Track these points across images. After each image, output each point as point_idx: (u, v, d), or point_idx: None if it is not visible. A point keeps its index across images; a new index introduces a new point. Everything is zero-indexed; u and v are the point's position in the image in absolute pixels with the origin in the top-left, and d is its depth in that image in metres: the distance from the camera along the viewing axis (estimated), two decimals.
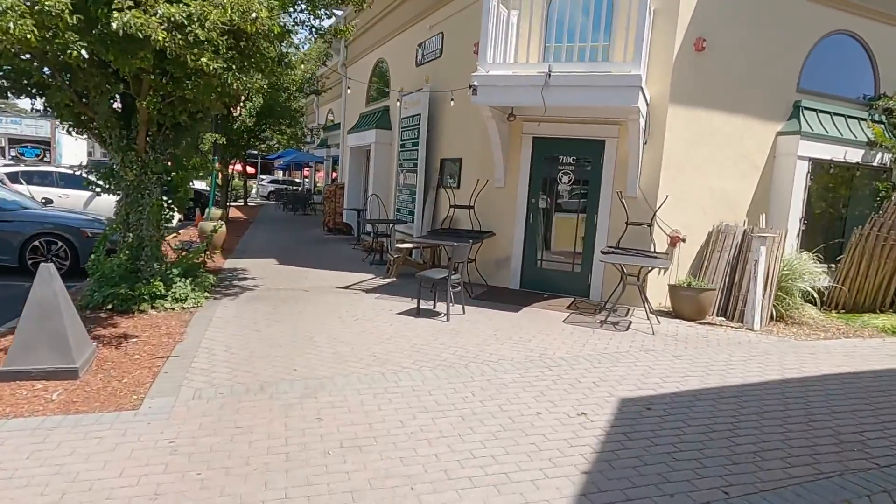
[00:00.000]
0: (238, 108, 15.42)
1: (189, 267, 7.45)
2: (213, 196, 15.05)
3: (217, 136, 15.16)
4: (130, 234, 6.91)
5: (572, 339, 6.26)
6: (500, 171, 8.61)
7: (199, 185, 17.83)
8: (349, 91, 16.08)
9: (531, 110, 8.10)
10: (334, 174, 22.69)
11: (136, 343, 5.42)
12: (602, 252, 7.42)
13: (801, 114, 8.52)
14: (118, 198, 7.01)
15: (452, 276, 6.70)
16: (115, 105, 6.94)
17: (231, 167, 21.30)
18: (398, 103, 11.35)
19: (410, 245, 9.01)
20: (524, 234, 8.66)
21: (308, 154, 24.78)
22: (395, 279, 9.09)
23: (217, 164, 17.84)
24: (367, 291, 8.19)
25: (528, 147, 8.55)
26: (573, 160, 8.41)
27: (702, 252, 8.29)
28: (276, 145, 25.87)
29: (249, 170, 39.88)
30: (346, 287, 8.43)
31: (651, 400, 4.59)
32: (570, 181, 8.44)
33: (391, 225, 10.73)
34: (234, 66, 6.24)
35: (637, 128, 7.31)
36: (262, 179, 37.23)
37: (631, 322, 7.15)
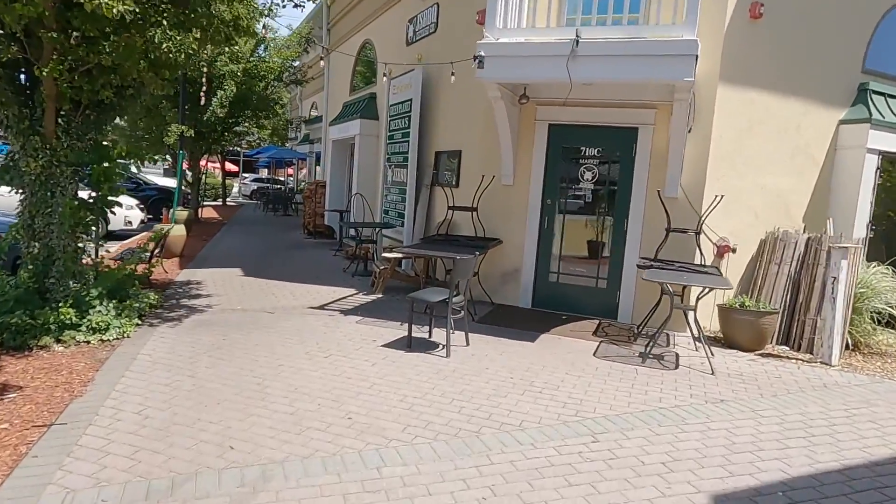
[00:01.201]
0: (203, 94, 13.79)
1: (118, 284, 5.87)
2: (179, 194, 13.40)
3: (184, 127, 13.55)
4: (37, 244, 5.34)
5: (612, 383, 4.77)
6: (509, 165, 7.11)
7: (171, 182, 16.07)
8: (332, 78, 14.57)
9: (550, 89, 6.63)
10: (319, 171, 21.09)
11: (15, 400, 3.85)
12: (639, 266, 5.94)
13: (868, 98, 7.10)
14: (21, 196, 5.43)
15: (454, 299, 5.19)
16: (17, 76, 5.36)
17: (205, 163, 19.61)
18: (385, 83, 9.82)
19: (399, 255, 7.48)
20: (537, 241, 7.17)
21: (290, 150, 23.12)
22: (381, 295, 7.56)
23: (187, 161, 16.22)
24: (347, 313, 6.65)
25: (543, 136, 7.06)
26: (598, 152, 6.93)
27: (753, 265, 6.85)
28: (256, 140, 24.20)
29: (233, 168, 38.26)
30: (322, 307, 6.88)
31: (756, 498, 3.11)
32: (593, 178, 6.96)
33: (377, 230, 9.20)
34: (161, 20, 4.67)
35: (683, 111, 5.85)
36: (245, 178, 35.47)
37: (678, 355, 5.68)
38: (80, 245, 5.67)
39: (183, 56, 5.52)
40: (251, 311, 6.53)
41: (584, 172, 6.97)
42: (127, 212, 13.22)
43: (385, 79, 9.79)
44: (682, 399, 4.50)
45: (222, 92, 14.49)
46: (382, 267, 7.62)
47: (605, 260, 6.95)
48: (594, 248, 7.11)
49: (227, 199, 28.20)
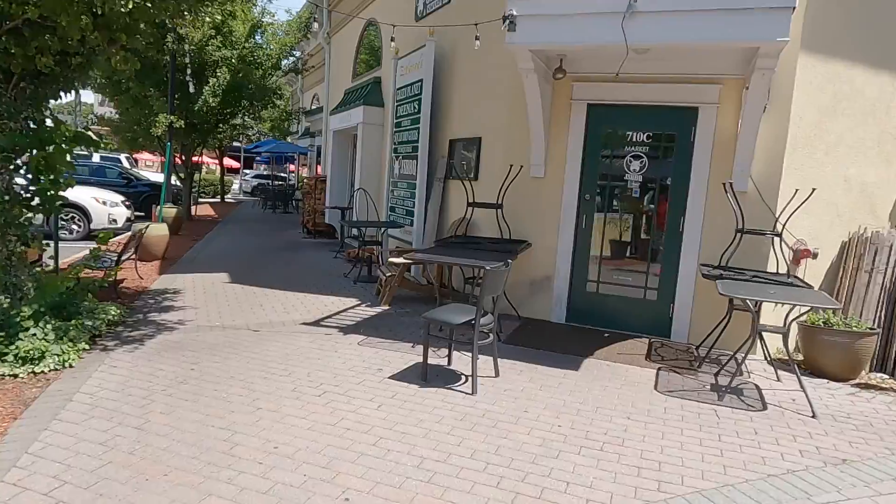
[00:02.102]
0: (191, 80, 12.66)
1: (65, 297, 4.78)
2: (167, 190, 12.33)
3: (173, 117, 12.47)
4: None
5: (692, 433, 3.65)
6: (540, 154, 5.99)
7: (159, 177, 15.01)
8: (333, 64, 13.48)
9: (591, 61, 5.51)
10: (319, 168, 19.99)
11: None
12: (706, 276, 4.81)
13: None
14: None
15: (482, 320, 4.08)
16: None
17: (199, 159, 18.54)
18: (392, 65, 8.69)
19: (409, 260, 6.36)
20: (573, 244, 6.05)
21: (290, 144, 22.03)
22: (387, 307, 6.45)
23: (179, 154, 15.15)
24: (347, 330, 5.55)
25: (581, 119, 5.93)
26: (648, 138, 5.79)
27: (834, 272, 5.72)
28: (256, 135, 23.09)
29: (234, 164, 37.17)
30: (317, 322, 5.78)
31: None
32: (642, 168, 5.82)
33: (382, 230, 8.10)
34: None
35: (764, 85, 4.72)
36: (246, 174, 34.41)
37: (758, 388, 4.55)
38: (15, 249, 4.57)
39: (146, 21, 4.43)
40: (232, 328, 5.43)
41: (631, 162, 5.84)
42: (111, 209, 12.19)
43: (393, 59, 8.68)
44: (792, 458, 3.38)
45: (215, 80, 13.39)
46: (389, 274, 6.51)
47: (656, 266, 5.82)
48: (642, 253, 5.98)
49: (227, 196, 27.20)
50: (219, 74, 13.44)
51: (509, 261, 4.33)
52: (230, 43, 13.68)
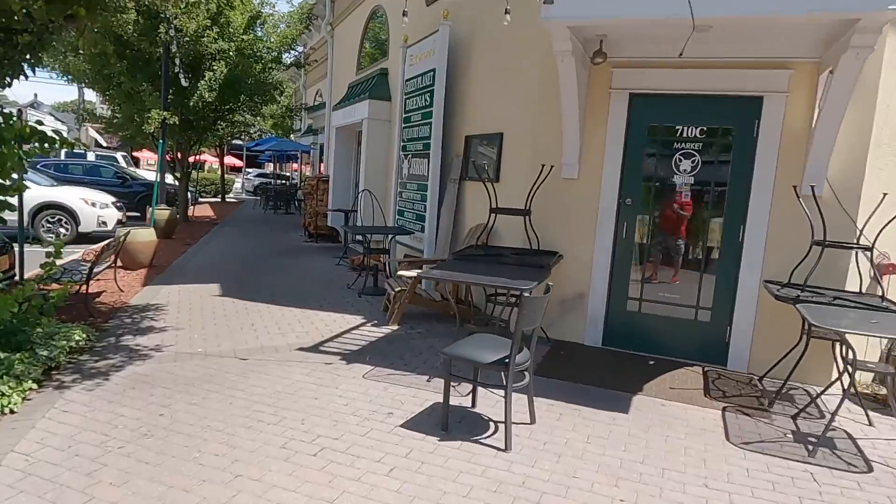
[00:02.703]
0: (184, 74, 11.89)
1: (15, 322, 4.00)
2: (159, 190, 11.58)
3: (166, 113, 11.72)
4: None
5: None
6: (574, 151, 5.18)
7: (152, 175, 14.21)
8: (336, 58, 12.71)
9: (634, 44, 4.74)
10: (322, 167, 19.21)
11: None
12: (779, 297, 3.99)
13: None
14: None
15: (517, 360, 3.27)
16: None
17: (197, 156, 17.80)
18: (401, 54, 7.89)
19: (420, 272, 5.57)
20: (610, 255, 5.24)
21: (291, 142, 21.26)
22: (397, 327, 5.66)
23: (175, 153, 14.40)
24: (351, 358, 4.75)
25: (622, 111, 5.11)
26: (702, 133, 4.96)
27: None
28: (258, 132, 22.32)
29: (237, 163, 36.44)
30: (316, 347, 4.99)
31: None
32: (693, 168, 5.00)
33: (390, 236, 7.31)
34: None
35: (856, 67, 3.89)
36: (249, 173, 33.70)
37: (852, 438, 3.74)
38: None
39: None
40: (216, 355, 4.65)
41: (680, 161, 5.02)
42: (101, 211, 11.47)
43: (401, 47, 7.88)
44: None
45: (211, 73, 12.60)
46: (399, 289, 5.72)
47: (710, 282, 5.00)
48: (693, 266, 5.16)
49: (228, 196, 26.47)
50: (215, 68, 12.65)
51: (550, 284, 3.51)
52: (227, 35, 12.89)
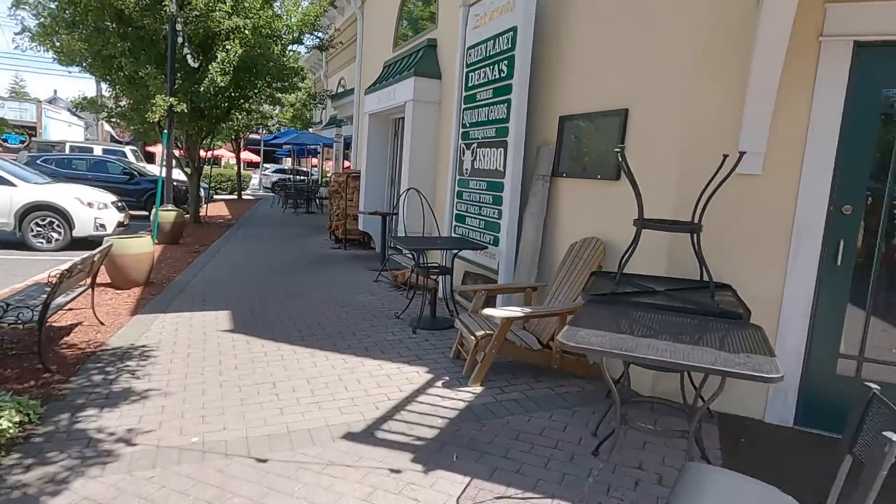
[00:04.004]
0: (191, 53, 10.28)
1: None
2: (163, 188, 10.02)
3: (173, 99, 10.13)
4: None
5: None
6: (759, 135, 3.41)
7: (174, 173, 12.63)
8: (367, 34, 11.01)
9: None
10: (347, 162, 17.57)
11: None
12: None
13: None
14: None
15: None
16: None
17: (212, 151, 16.24)
18: (461, 14, 6.15)
19: (520, 313, 3.82)
20: (813, 291, 3.46)
21: (312, 135, 19.63)
22: (480, 389, 3.93)
23: (182, 147, 12.82)
24: (427, 457, 3.03)
25: (839, 70, 3.32)
26: None
27: None
28: (276, 125, 20.74)
29: (255, 158, 35.03)
30: (370, 430, 3.28)
31: None
32: None
33: (451, 252, 5.58)
34: None
35: None
36: (266, 168, 32.29)
37: None
38: None
39: None
40: (218, 453, 2.96)
41: None
42: (98, 212, 9.90)
43: (461, 7, 6.14)
44: None
45: (224, 54, 10.97)
46: (481, 333, 3.98)
47: None
48: None
49: (245, 193, 25.02)
50: (229, 48, 11.01)
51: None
52: (242, 10, 11.24)
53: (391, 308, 6.01)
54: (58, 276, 3.87)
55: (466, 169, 6.08)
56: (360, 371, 4.18)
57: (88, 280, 4.97)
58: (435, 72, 7.48)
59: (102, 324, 5.01)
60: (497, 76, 5.43)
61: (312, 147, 21.88)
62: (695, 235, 3.24)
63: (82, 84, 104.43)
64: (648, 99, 4.01)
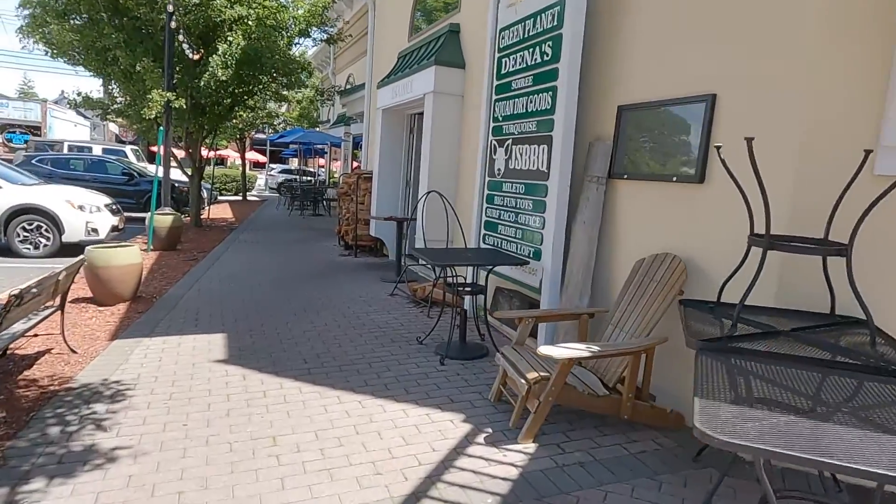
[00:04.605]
0: (187, 43, 9.52)
1: None
2: (158, 190, 9.27)
3: (170, 94, 9.38)
4: None
5: None
6: None
7: (175, 173, 11.83)
8: (378, 26, 10.24)
9: None
10: (355, 163, 16.79)
11: None
12: None
13: None
14: None
15: None
16: None
17: (216, 151, 15.51)
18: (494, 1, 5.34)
19: (585, 351, 3.01)
20: None
21: (319, 133, 18.88)
22: (533, 447, 3.11)
23: (182, 146, 12.08)
24: None
25: None
26: None
27: None
28: (282, 123, 19.98)
29: (261, 159, 34.36)
30: None
31: None
32: None
33: (484, 268, 4.76)
34: None
35: None
36: (273, 169, 31.60)
37: None
38: None
39: None
40: None
41: None
42: (91, 215, 9.15)
43: None
44: None
45: (226, 46, 10.21)
46: (534, 376, 3.16)
47: None
48: None
49: (250, 194, 24.31)
50: (231, 40, 10.26)
51: None
52: None
53: (412, 330, 5.21)
54: (5, 302, 3.09)
55: (499, 169, 5.26)
56: (381, 419, 3.38)
57: (57, 299, 4.20)
58: (458, 60, 6.68)
59: (74, 352, 4.24)
60: (539, 60, 4.61)
61: (319, 146, 21.14)
62: (847, 258, 2.40)
63: (90, 84, 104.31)
64: (745, 79, 3.17)
